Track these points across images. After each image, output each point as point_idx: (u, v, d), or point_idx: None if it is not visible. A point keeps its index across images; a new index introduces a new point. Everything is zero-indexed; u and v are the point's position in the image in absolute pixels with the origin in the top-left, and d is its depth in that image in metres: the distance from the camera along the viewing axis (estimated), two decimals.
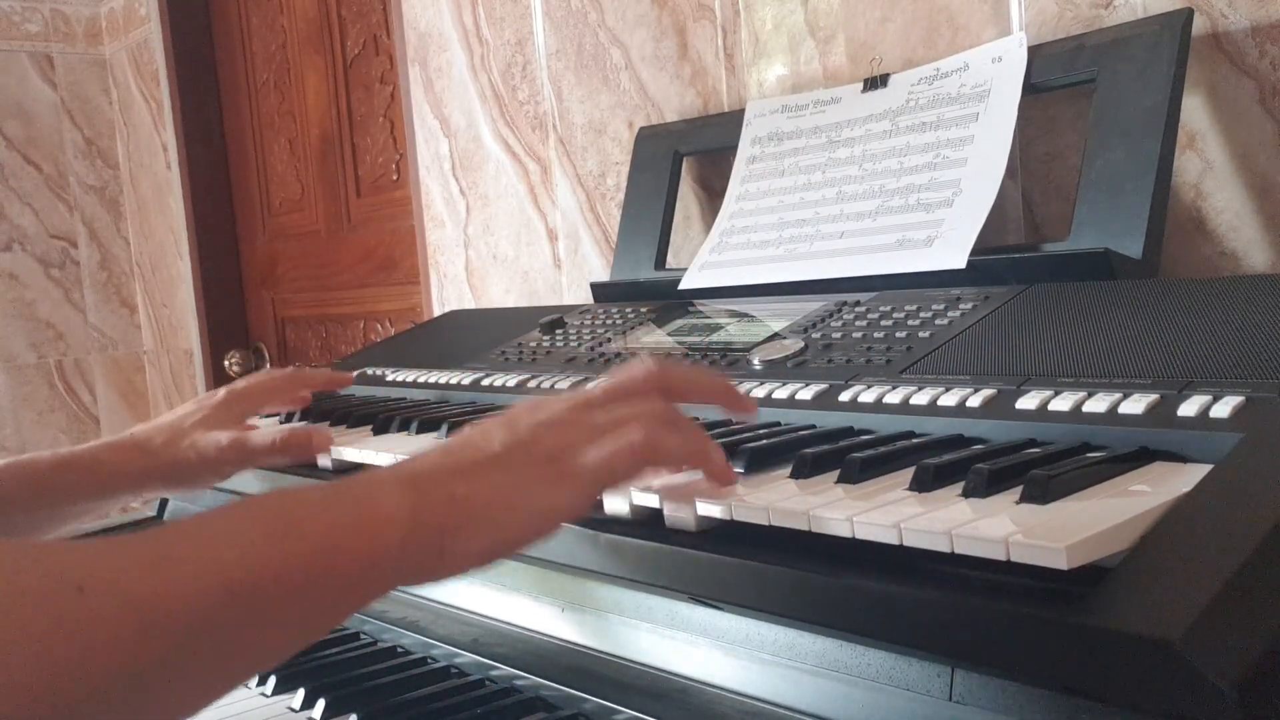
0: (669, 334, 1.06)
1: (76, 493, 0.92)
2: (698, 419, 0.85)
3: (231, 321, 2.77)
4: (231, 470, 0.98)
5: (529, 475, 0.59)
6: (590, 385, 0.71)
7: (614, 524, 0.70)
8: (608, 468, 0.61)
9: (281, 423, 1.15)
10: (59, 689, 0.42)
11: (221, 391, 1.02)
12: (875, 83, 1.11)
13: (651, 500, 0.67)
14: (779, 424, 0.80)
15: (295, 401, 1.12)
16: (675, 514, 0.66)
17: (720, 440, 0.73)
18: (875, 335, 0.87)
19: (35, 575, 0.44)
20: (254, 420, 1.10)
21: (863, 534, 0.55)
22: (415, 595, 0.99)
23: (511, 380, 1.07)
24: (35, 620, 0.43)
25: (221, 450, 0.95)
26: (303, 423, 1.12)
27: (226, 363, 2.71)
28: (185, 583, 0.47)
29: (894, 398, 0.75)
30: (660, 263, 1.30)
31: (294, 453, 0.96)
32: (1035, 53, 0.98)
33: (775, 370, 0.88)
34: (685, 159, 1.33)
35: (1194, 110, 0.96)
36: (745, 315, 1.04)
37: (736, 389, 0.72)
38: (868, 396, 0.77)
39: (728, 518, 0.62)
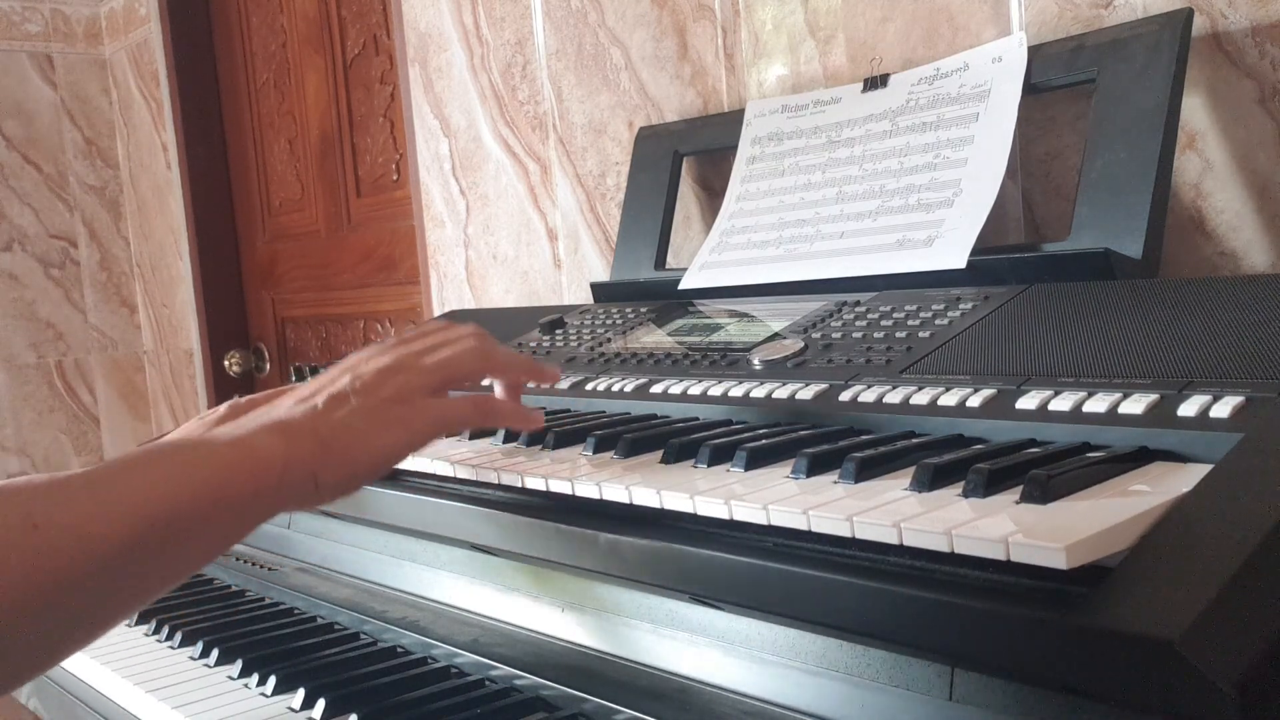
0: (669, 334, 1.06)
1: None
2: (695, 419, 0.85)
3: (231, 321, 2.77)
4: None
5: (378, 417, 0.70)
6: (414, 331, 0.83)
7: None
8: (449, 415, 0.74)
9: None
10: (15, 602, 0.53)
11: (224, 406, 1.01)
12: (875, 83, 1.11)
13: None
14: (779, 424, 0.80)
15: None
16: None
17: (720, 440, 0.73)
18: (875, 335, 0.87)
19: None
20: None
21: (863, 534, 0.55)
22: (415, 595, 0.99)
23: None
24: None
25: None
26: None
27: (226, 363, 2.71)
28: (114, 517, 0.58)
29: (894, 398, 0.75)
30: (660, 263, 1.30)
31: None
32: (1035, 53, 0.98)
33: (775, 370, 0.88)
34: (685, 159, 1.33)
35: (1194, 110, 0.96)
36: (745, 315, 1.04)
37: (539, 363, 0.83)
38: (868, 396, 0.77)
39: (727, 517, 0.62)
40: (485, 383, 0.85)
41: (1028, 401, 0.68)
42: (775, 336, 0.95)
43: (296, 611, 1.12)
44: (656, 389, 0.92)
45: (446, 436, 0.78)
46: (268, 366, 2.72)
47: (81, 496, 0.58)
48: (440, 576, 0.96)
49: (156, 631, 1.08)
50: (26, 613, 0.54)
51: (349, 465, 0.69)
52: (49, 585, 0.54)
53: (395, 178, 2.19)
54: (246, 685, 0.93)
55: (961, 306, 0.86)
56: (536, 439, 0.86)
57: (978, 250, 0.94)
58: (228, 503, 0.63)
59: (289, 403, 0.72)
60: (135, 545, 0.58)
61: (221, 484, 0.63)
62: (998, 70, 1.00)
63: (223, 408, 1.01)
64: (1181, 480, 0.56)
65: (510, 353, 0.81)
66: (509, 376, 0.82)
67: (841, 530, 0.56)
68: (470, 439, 0.94)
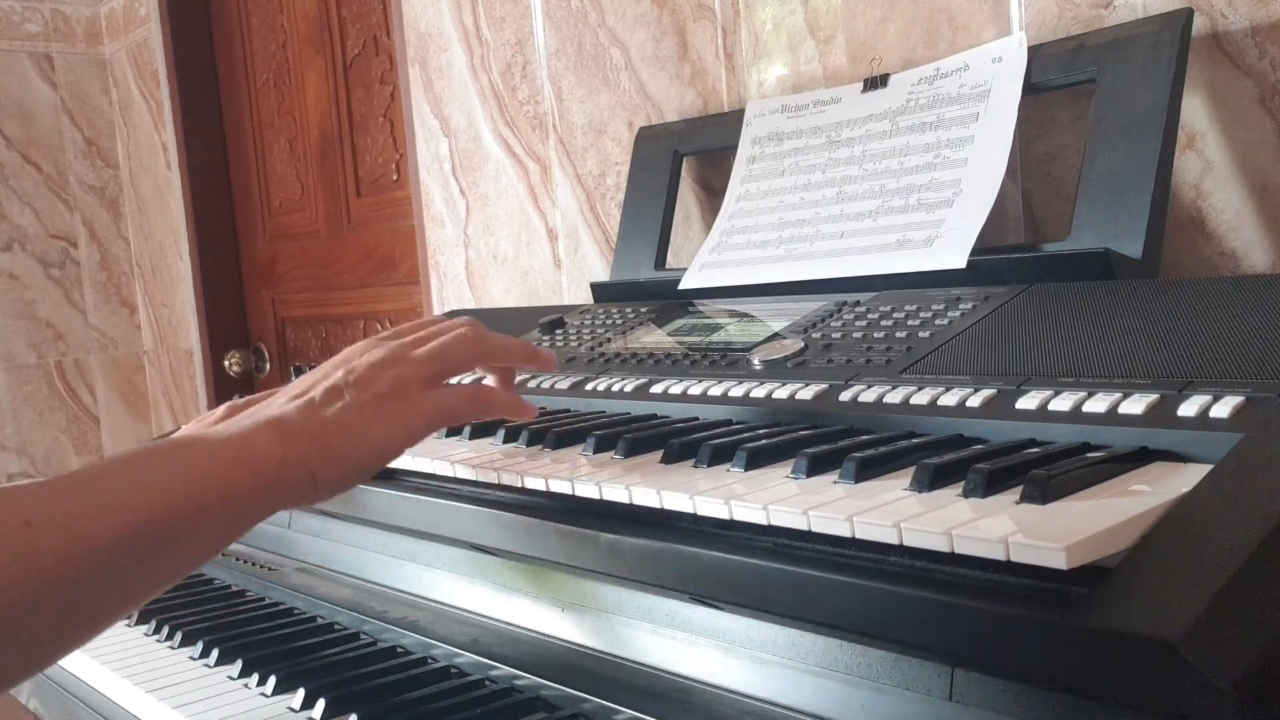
0: (669, 334, 1.06)
1: None
2: (700, 421, 0.85)
3: (231, 321, 2.77)
4: None
5: (373, 411, 0.70)
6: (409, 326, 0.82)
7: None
8: (444, 407, 0.73)
9: None
10: (9, 599, 0.53)
11: (222, 408, 1.01)
12: (875, 83, 1.11)
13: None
14: (779, 424, 0.80)
15: None
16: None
17: (721, 440, 0.73)
18: (875, 335, 0.87)
19: None
20: None
21: (863, 534, 0.55)
22: (415, 595, 0.99)
23: None
24: None
25: None
26: None
27: (226, 363, 2.71)
28: (111, 516, 0.58)
29: (894, 398, 0.75)
30: (660, 263, 1.30)
31: None
32: (1035, 53, 0.98)
33: (775, 370, 0.88)
34: (685, 159, 1.33)
35: (1194, 110, 0.96)
36: (745, 315, 1.04)
37: (534, 348, 0.82)
38: (868, 396, 0.77)
39: (727, 517, 0.62)
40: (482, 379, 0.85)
41: (1028, 401, 0.68)
42: (775, 336, 0.95)
43: (296, 611, 1.12)
44: (656, 389, 0.92)
45: (443, 428, 0.77)
46: (268, 366, 2.72)
47: (75, 495, 0.58)
48: (440, 576, 0.96)
49: (156, 631, 1.08)
50: (21, 609, 0.54)
51: (345, 461, 0.69)
52: (43, 582, 0.55)
53: (395, 178, 2.19)
54: (246, 685, 0.93)
55: (961, 306, 0.86)
56: (537, 439, 0.86)
57: (978, 250, 0.94)
58: (224, 501, 0.63)
59: (283, 399, 0.71)
60: (130, 544, 0.58)
61: (218, 482, 0.63)
62: (998, 70, 1.00)
63: (221, 409, 1.01)
64: (1181, 480, 0.56)
65: (504, 338, 0.80)
66: (504, 361, 0.81)
67: (841, 530, 0.56)
68: (470, 439, 0.94)
